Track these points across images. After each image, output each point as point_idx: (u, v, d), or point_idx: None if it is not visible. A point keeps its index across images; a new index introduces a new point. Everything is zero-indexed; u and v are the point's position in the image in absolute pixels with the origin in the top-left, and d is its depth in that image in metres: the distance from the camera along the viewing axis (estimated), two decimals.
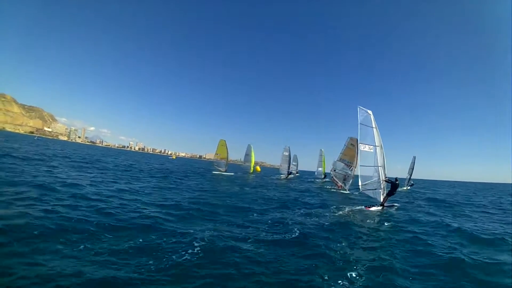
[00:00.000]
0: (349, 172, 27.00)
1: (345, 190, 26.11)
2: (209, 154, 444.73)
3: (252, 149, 47.03)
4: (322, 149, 47.42)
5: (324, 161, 46.97)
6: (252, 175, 45.00)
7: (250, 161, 47.13)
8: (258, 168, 60.59)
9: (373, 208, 14.40)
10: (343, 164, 27.63)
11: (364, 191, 15.41)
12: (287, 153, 46.66)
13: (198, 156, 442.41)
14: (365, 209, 14.40)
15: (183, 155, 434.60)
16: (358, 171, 15.91)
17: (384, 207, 14.99)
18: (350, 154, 27.17)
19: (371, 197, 15.63)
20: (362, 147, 15.43)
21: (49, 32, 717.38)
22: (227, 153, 41.92)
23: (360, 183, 15.29)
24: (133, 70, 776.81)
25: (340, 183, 28.49)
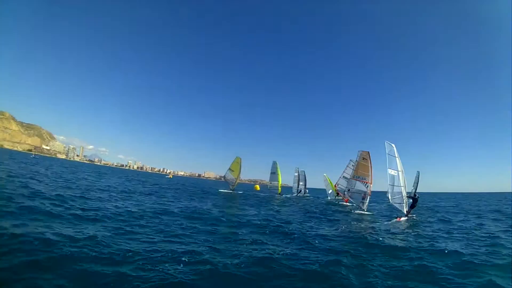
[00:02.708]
0: (366, 190, 25.35)
1: (363, 210, 24.29)
2: (208, 173, 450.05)
3: (278, 166, 43.59)
4: (325, 174, 48.91)
5: (331, 184, 50.40)
6: (282, 195, 41.75)
7: (278, 180, 43.27)
8: (257, 187, 56.65)
9: (402, 219, 19.38)
10: (358, 181, 26.21)
11: (393, 204, 20.82)
12: (296, 174, 51.44)
13: (197, 175, 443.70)
14: (397, 220, 18.96)
15: (182, 173, 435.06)
16: (388, 188, 21.19)
17: (409, 217, 20.28)
18: (363, 169, 26.01)
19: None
20: (389, 171, 21.03)
21: (48, 51, 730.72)
22: (239, 172, 40.88)
23: (390, 198, 20.71)
24: (132, 89, 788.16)
25: (347, 198, 29.48)
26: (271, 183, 44.62)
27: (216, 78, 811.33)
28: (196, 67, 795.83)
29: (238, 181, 41.33)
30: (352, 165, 33.60)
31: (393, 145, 21.74)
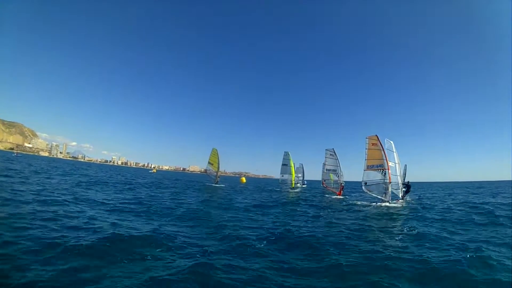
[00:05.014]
0: (385, 178, 22.97)
1: (388, 202, 22.47)
2: (193, 167, 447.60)
3: (291, 158, 38.68)
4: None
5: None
6: (296, 190, 38.56)
7: (291, 173, 38.21)
8: (244, 179, 58.15)
9: (400, 201, 24.09)
10: (373, 171, 23.89)
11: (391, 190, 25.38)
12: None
13: (182, 169, 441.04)
14: (395, 201, 23.60)
15: (167, 168, 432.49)
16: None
17: (403, 200, 24.94)
18: (375, 155, 23.74)
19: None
20: (389, 163, 25.45)
21: (28, 47, 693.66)
22: (219, 163, 38.63)
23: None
24: (114, 83, 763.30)
25: (338, 191, 31.67)
26: (282, 176, 39.75)
27: (199, 71, 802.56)
28: (178, 60, 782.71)
29: (219, 173, 39.22)
30: (330, 155, 34.45)
31: (391, 142, 26.20)
